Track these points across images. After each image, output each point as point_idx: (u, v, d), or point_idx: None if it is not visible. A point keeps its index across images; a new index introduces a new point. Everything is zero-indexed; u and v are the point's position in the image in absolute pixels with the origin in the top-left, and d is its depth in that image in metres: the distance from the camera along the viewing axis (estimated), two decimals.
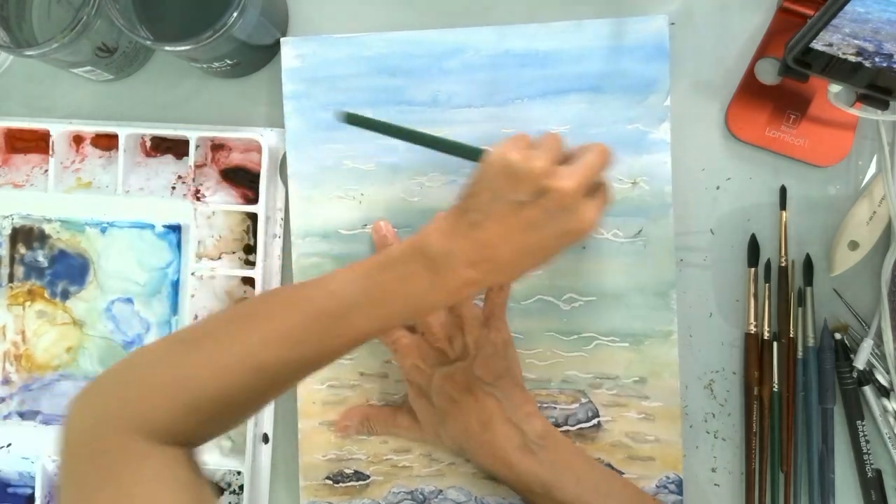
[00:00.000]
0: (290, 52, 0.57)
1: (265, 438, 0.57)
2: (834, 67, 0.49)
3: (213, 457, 0.57)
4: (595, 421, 0.56)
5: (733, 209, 0.56)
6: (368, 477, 0.57)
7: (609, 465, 0.55)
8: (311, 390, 0.57)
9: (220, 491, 0.58)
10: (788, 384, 0.54)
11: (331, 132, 0.57)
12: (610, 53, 0.55)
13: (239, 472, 0.57)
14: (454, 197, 0.51)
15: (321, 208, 0.57)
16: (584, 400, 0.56)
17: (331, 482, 0.57)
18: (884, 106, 0.50)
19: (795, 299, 0.55)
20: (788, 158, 0.55)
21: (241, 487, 0.57)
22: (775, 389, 0.54)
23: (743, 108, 0.55)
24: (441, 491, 0.57)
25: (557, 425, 0.56)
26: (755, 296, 0.55)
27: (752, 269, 0.55)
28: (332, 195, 0.57)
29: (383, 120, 0.48)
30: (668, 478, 0.55)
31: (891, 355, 0.52)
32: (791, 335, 0.54)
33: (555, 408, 0.56)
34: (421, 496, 0.57)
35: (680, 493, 0.55)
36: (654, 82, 0.55)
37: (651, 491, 0.55)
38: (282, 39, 0.57)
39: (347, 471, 0.57)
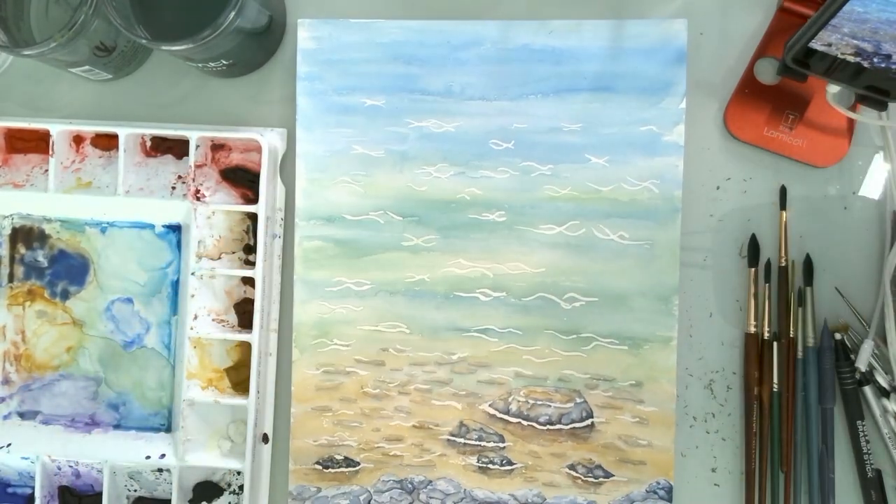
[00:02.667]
0: (306, 33, 0.57)
1: (265, 438, 0.57)
2: (833, 68, 0.49)
3: (213, 457, 0.57)
4: (589, 421, 0.56)
5: (733, 209, 0.56)
6: (358, 464, 0.57)
7: (600, 467, 0.56)
8: (306, 375, 0.57)
9: (220, 491, 0.58)
10: (788, 384, 0.54)
11: (341, 116, 0.57)
12: (627, 54, 0.55)
13: (239, 473, 0.57)
14: (461, 188, 0.54)
15: (327, 192, 0.57)
16: (578, 400, 0.56)
17: (320, 467, 0.57)
18: (882, 107, 0.50)
19: (795, 299, 0.55)
20: (787, 158, 0.55)
21: (241, 487, 0.56)
22: (775, 389, 0.54)
23: (742, 107, 0.55)
24: (431, 482, 0.57)
25: (551, 423, 0.56)
26: (755, 296, 0.55)
27: (753, 270, 0.55)
28: (339, 179, 0.57)
29: None
30: (658, 483, 0.55)
31: (894, 357, 0.52)
32: (791, 335, 0.54)
33: (549, 406, 0.56)
34: (410, 486, 0.57)
35: (670, 499, 0.55)
36: (669, 85, 0.55)
37: (641, 496, 0.55)
38: (298, 21, 0.57)
39: (338, 457, 0.57)
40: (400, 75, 0.57)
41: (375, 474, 0.57)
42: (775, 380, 0.54)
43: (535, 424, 0.56)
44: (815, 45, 0.47)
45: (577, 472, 0.56)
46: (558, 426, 0.56)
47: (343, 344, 0.57)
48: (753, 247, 0.55)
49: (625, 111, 0.56)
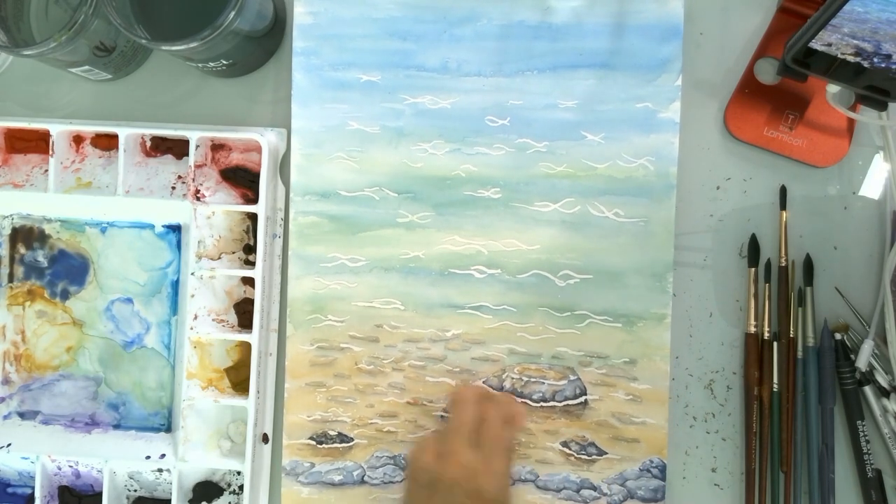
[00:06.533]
0: (302, 8, 0.57)
1: (265, 438, 0.57)
2: (833, 68, 0.49)
3: (213, 457, 0.57)
4: (582, 398, 0.56)
5: (733, 209, 0.56)
6: (352, 440, 0.57)
7: (593, 444, 0.56)
8: (300, 351, 0.57)
9: (220, 491, 0.58)
10: (788, 384, 0.54)
11: (337, 92, 0.57)
12: (623, 31, 0.55)
13: (239, 473, 0.57)
14: (456, 165, 0.55)
15: (322, 167, 0.57)
16: (572, 377, 0.56)
17: (314, 442, 0.57)
18: (882, 107, 0.50)
19: (795, 299, 0.55)
20: (787, 158, 0.55)
21: (241, 487, 0.56)
22: (775, 389, 0.54)
23: (742, 107, 0.55)
24: None
25: (545, 400, 0.56)
26: (755, 296, 0.55)
27: (753, 269, 0.55)
28: (334, 155, 0.57)
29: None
30: (651, 461, 0.55)
31: (895, 357, 0.52)
32: (791, 335, 0.54)
33: (543, 383, 0.56)
34: (403, 462, 0.57)
35: (663, 478, 0.55)
36: (666, 62, 0.55)
37: (634, 474, 0.55)
38: None
39: (331, 432, 0.57)
40: (396, 51, 0.57)
41: (369, 450, 0.57)
42: (775, 380, 0.54)
43: (528, 401, 0.56)
44: (815, 45, 0.47)
45: (570, 449, 0.56)
46: (552, 403, 0.56)
47: (337, 320, 0.57)
48: (753, 247, 0.55)
49: (621, 88, 0.55)
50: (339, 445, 0.57)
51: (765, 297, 0.55)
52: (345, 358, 0.57)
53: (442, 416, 0.57)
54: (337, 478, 0.57)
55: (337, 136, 0.57)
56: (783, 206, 0.55)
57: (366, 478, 0.57)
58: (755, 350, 0.55)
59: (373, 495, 0.57)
